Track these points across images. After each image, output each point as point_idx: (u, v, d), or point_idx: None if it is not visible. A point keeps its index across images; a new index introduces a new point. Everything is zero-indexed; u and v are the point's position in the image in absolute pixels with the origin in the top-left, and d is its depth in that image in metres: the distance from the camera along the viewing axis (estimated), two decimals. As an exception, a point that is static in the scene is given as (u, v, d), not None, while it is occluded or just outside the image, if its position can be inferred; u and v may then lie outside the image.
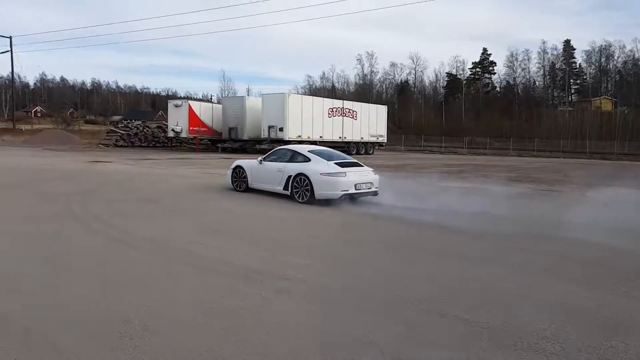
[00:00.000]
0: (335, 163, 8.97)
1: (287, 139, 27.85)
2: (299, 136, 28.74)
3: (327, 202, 8.51)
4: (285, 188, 9.06)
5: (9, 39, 41.60)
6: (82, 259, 4.84)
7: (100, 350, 2.81)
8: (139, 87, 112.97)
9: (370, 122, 33.70)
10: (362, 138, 33.14)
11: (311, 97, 35.81)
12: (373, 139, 34.10)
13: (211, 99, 70.18)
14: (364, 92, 70.30)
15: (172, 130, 31.03)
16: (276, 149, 10.57)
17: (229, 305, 3.59)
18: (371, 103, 39.14)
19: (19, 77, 75.23)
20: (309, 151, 9.49)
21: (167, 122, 34.70)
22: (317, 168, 8.69)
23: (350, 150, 32.26)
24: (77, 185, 11.11)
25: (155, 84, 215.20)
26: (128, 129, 34.19)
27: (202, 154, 29.46)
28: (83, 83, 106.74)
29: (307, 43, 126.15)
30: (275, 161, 9.68)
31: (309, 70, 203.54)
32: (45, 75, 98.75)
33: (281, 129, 28.25)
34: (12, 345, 2.83)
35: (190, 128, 30.94)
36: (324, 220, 7.56)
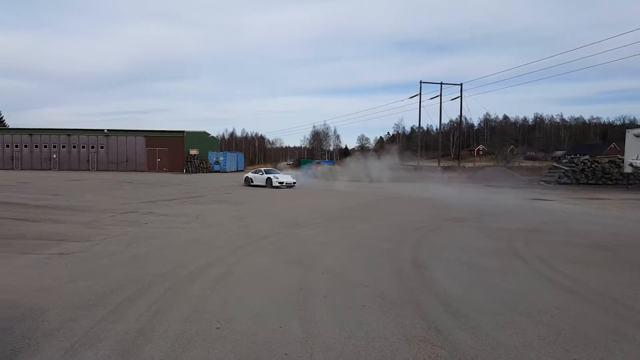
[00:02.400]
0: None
1: None
2: None
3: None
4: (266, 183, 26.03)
5: (459, 86, 50.18)
6: (528, 302, 4.84)
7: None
8: (586, 117, 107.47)
9: None
10: None
11: None
12: None
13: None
14: None
15: (630, 164, 27.13)
16: (261, 169, 28.23)
17: None
18: None
19: (465, 119, 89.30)
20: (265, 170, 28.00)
21: (622, 155, 30.81)
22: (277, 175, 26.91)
23: None
24: (518, 222, 11.58)
25: (608, 113, 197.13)
26: (573, 165, 32.83)
27: (673, 195, 23.88)
28: (525, 119, 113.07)
29: None
30: (261, 174, 27.01)
31: None
32: (489, 115, 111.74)
33: None
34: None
35: (658, 162, 25.96)
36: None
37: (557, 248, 8.04)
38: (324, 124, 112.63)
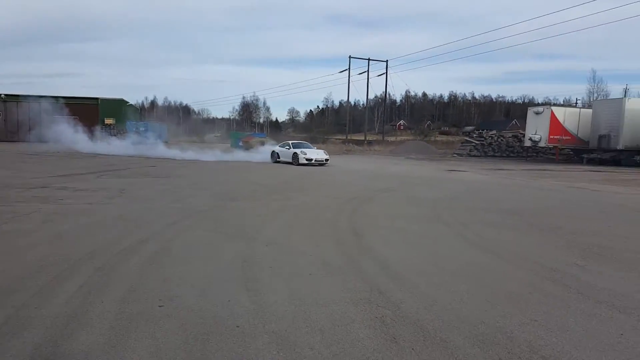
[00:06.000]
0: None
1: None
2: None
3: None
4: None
5: (385, 63, 51.38)
6: (455, 263, 5.18)
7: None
8: (493, 96, 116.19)
9: None
10: None
11: None
12: None
13: (576, 103, 63.05)
14: None
15: (530, 139, 29.86)
16: (289, 142, 25.03)
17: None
18: None
19: (389, 95, 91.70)
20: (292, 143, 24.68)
21: (523, 130, 33.77)
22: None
23: None
24: (439, 191, 12.31)
25: (511, 92, 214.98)
26: (482, 139, 35.40)
27: (563, 165, 26.89)
28: (441, 96, 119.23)
29: None
30: (288, 148, 23.34)
31: None
32: (409, 92, 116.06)
33: (674, 136, 22.81)
34: (411, 340, 3.27)
35: (551, 137, 28.88)
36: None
37: (475, 214, 8.67)
38: (254, 95, 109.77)
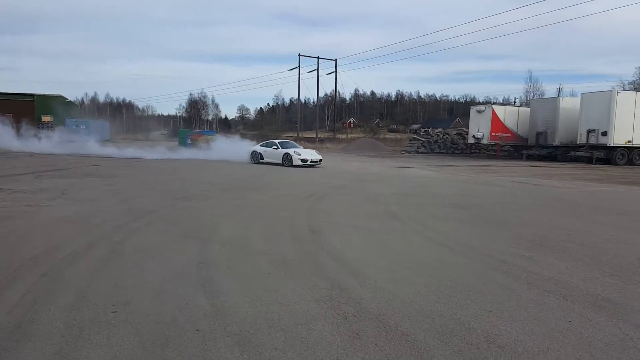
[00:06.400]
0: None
1: (611, 144, 24.63)
2: (629, 141, 24.94)
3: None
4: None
5: (334, 62, 51.72)
6: (411, 258, 5.31)
7: (451, 352, 2.93)
8: (438, 95, 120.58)
9: None
10: None
11: (650, 93, 29.07)
12: None
13: (514, 102, 66.69)
14: None
15: (473, 136, 31.20)
16: (275, 141, 22.51)
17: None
18: None
19: (339, 93, 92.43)
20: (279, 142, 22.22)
21: (466, 128, 35.19)
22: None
23: None
24: (391, 188, 12.58)
25: (454, 91, 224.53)
26: (429, 137, 36.58)
27: (504, 161, 28.32)
28: (388, 95, 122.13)
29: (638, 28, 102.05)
30: (275, 147, 21.03)
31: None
32: (358, 90, 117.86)
33: (604, 134, 25.08)
34: (373, 335, 3.31)
35: (492, 134, 30.33)
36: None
37: (426, 209, 8.92)
38: (202, 92, 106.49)
